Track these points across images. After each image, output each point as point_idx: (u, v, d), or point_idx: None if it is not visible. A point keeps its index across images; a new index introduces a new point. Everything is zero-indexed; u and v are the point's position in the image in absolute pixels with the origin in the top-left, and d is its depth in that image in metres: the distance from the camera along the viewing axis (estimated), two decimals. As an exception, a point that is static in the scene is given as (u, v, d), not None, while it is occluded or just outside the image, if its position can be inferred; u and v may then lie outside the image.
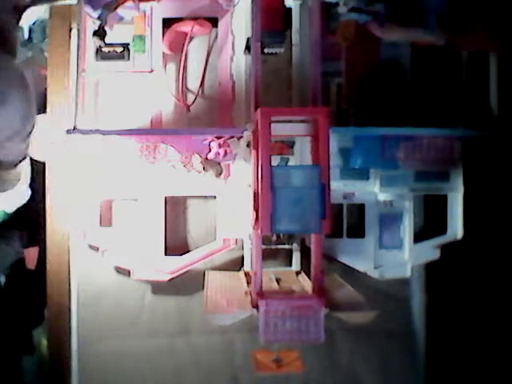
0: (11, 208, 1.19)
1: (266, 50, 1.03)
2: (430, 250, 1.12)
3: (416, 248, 1.12)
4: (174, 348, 1.16)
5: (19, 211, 1.20)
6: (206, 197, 1.14)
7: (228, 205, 1.10)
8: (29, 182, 1.12)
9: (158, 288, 1.14)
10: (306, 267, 1.04)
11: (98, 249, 1.11)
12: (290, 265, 1.12)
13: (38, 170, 1.13)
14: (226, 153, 1.02)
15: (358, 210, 1.14)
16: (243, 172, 1.05)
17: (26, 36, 1.30)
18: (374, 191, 1.09)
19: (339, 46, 1.11)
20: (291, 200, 0.83)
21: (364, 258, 1.12)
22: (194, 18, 1.10)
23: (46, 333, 1.20)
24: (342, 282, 1.03)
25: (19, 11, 0.73)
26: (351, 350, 1.17)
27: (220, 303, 0.92)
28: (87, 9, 0.98)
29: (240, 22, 1.10)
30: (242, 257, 1.12)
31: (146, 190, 1.09)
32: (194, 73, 1.14)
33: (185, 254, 1.11)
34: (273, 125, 0.84)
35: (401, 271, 1.13)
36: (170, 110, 1.13)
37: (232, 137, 1.01)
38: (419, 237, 1.13)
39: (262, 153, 0.84)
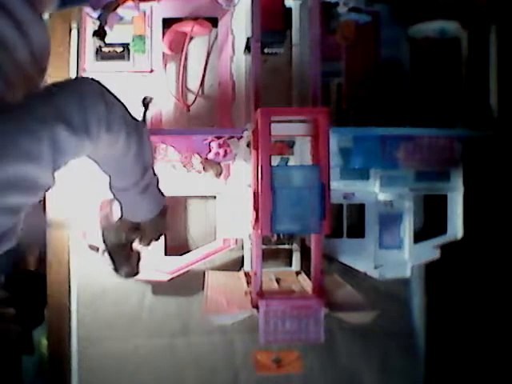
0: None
1: (266, 50, 1.03)
2: (430, 250, 1.12)
3: (416, 248, 1.12)
4: (174, 348, 1.16)
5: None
6: (206, 197, 1.14)
7: (228, 205, 1.10)
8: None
9: (158, 288, 1.14)
10: (305, 267, 1.04)
11: (97, 249, 1.10)
12: (290, 265, 1.12)
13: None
14: (226, 153, 1.02)
15: (358, 210, 1.14)
16: (243, 172, 1.05)
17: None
18: (374, 191, 1.09)
19: (339, 46, 1.11)
20: (291, 200, 0.83)
21: (364, 258, 1.12)
22: (194, 18, 1.10)
23: (46, 333, 1.20)
24: (342, 282, 1.03)
25: None
26: (351, 350, 1.17)
27: (220, 303, 0.92)
28: (87, 9, 0.99)
29: (240, 21, 1.11)
30: (242, 257, 1.12)
31: (146, 190, 1.08)
32: (194, 73, 1.14)
33: (185, 254, 1.11)
34: (273, 125, 0.84)
35: (401, 271, 1.13)
36: (170, 109, 1.13)
37: (232, 137, 1.01)
38: (419, 237, 1.13)
39: (261, 153, 0.84)
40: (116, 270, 0.87)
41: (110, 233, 0.84)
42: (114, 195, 0.77)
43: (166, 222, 0.83)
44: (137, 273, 0.88)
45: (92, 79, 0.63)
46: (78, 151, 0.59)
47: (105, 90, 0.62)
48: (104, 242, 0.85)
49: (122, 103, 0.66)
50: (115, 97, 0.65)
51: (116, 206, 0.82)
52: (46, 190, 0.59)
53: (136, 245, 0.87)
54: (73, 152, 0.58)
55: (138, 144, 0.69)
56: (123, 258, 0.85)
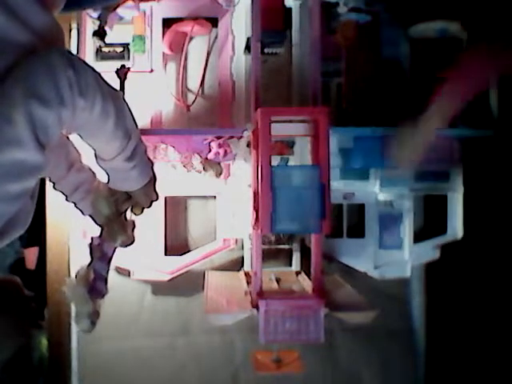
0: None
1: (266, 50, 1.03)
2: (429, 250, 1.12)
3: (416, 248, 1.12)
4: (175, 348, 1.16)
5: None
6: (205, 197, 1.14)
7: (228, 205, 1.10)
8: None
9: (157, 288, 1.14)
10: (305, 267, 1.04)
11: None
12: (290, 265, 1.12)
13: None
14: (225, 153, 1.02)
15: (358, 210, 1.14)
16: (243, 172, 1.05)
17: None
18: (374, 191, 1.09)
19: (339, 46, 1.11)
20: (291, 200, 0.83)
21: (364, 258, 1.12)
22: (194, 18, 1.10)
23: (46, 333, 1.20)
24: (342, 282, 1.03)
25: None
26: (351, 350, 1.17)
27: (220, 303, 0.92)
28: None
29: (240, 22, 1.11)
30: (242, 257, 1.12)
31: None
32: (194, 73, 1.15)
33: (185, 254, 1.11)
34: (273, 125, 0.84)
35: (401, 271, 1.13)
36: (170, 109, 1.13)
37: (232, 137, 1.01)
38: (419, 237, 1.13)
39: (262, 153, 0.84)
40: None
41: (101, 203, 0.84)
42: (101, 167, 0.76)
43: (155, 190, 0.83)
44: (133, 241, 0.87)
45: (57, 48, 0.62)
46: (58, 123, 0.58)
47: (71, 56, 0.62)
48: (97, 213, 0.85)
49: (93, 69, 0.66)
50: (85, 62, 0.64)
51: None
52: (40, 171, 0.58)
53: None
54: (53, 125, 0.58)
55: (117, 110, 0.68)
56: (118, 228, 0.85)
